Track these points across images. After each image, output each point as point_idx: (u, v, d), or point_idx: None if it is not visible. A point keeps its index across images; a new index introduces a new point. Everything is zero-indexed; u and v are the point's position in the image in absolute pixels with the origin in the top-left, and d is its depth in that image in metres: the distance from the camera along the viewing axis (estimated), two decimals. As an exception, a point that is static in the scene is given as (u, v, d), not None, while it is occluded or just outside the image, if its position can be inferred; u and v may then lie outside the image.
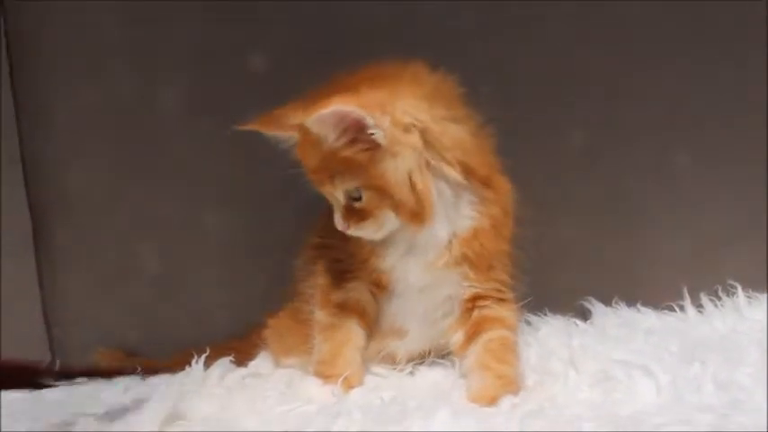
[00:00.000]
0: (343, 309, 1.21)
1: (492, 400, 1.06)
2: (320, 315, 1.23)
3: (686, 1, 1.45)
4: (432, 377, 1.20)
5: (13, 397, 1.30)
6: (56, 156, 1.48)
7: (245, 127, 1.17)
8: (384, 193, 1.09)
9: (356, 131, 1.06)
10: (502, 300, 1.19)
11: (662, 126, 1.47)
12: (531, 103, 1.47)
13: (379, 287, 1.19)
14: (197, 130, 1.48)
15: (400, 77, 1.11)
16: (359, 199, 1.11)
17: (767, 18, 1.45)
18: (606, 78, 1.47)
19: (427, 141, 1.09)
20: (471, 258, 1.15)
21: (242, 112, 1.45)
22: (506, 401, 1.04)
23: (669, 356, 1.12)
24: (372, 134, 1.06)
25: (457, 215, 1.14)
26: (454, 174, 1.11)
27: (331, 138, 1.07)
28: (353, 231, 1.13)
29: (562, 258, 1.47)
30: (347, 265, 1.20)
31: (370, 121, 1.05)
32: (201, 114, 1.47)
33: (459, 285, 1.17)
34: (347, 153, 1.08)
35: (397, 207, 1.09)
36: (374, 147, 1.07)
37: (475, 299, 1.18)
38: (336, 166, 1.09)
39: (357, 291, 1.20)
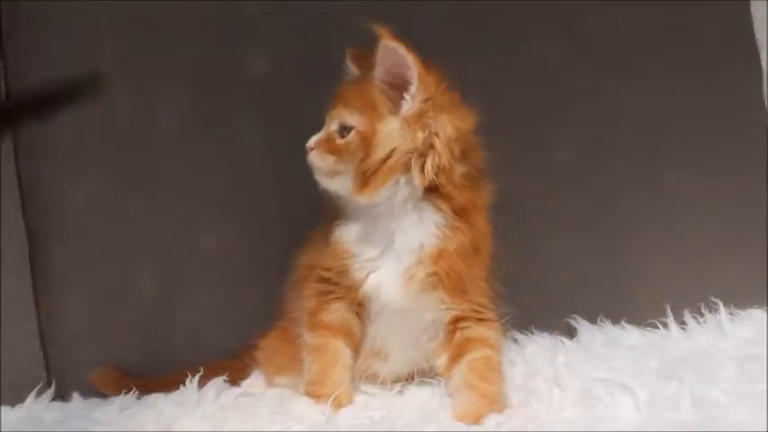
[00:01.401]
0: (330, 329, 1.24)
1: (477, 419, 1.09)
2: (308, 337, 1.26)
3: (674, 19, 1.49)
4: (420, 396, 1.22)
5: (12, 417, 1.33)
6: (52, 175, 1.50)
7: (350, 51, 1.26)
8: (364, 146, 1.15)
9: (399, 85, 1.15)
10: (482, 320, 1.22)
11: (646, 145, 1.50)
12: (518, 121, 1.50)
13: (361, 306, 1.22)
14: (193, 151, 1.51)
15: (460, 102, 1.20)
16: (344, 137, 1.17)
17: (754, 37, 1.48)
18: (592, 97, 1.50)
19: (430, 144, 1.15)
20: (443, 279, 1.18)
21: (239, 132, 1.51)
22: (491, 420, 1.07)
23: (649, 373, 1.15)
24: (405, 98, 1.14)
25: (422, 226, 1.18)
26: (420, 181, 1.16)
27: (380, 69, 1.15)
28: (314, 155, 1.19)
29: (549, 277, 1.50)
30: (331, 286, 1.23)
31: (416, 86, 1.14)
32: (198, 135, 1.51)
33: (438, 309, 1.20)
34: (376, 94, 1.16)
35: (358, 164, 1.15)
36: (396, 108, 1.15)
37: (455, 321, 1.21)
38: (356, 98, 1.18)
39: (342, 311, 1.23)
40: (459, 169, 1.18)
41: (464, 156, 1.19)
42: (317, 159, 1.19)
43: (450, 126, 1.16)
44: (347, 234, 1.22)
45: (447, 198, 1.19)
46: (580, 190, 1.51)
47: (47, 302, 1.50)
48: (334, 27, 1.46)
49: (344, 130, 1.18)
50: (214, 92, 1.51)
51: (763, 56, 1.50)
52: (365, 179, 1.16)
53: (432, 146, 1.15)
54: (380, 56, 1.15)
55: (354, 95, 1.19)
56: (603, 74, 1.51)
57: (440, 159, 1.16)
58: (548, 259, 1.51)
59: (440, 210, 1.19)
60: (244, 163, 1.51)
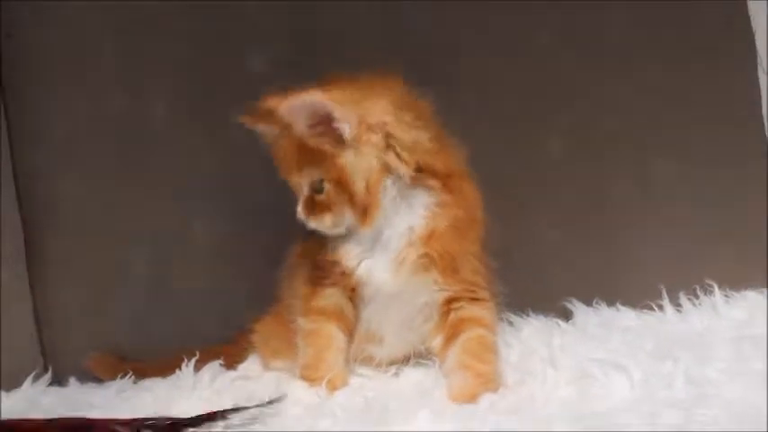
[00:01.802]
0: (324, 314, 1.24)
1: (472, 398, 1.09)
2: (302, 322, 1.26)
3: (665, 9, 1.48)
4: (415, 377, 1.22)
5: (9, 402, 1.34)
6: (47, 165, 1.51)
7: (242, 120, 1.22)
8: (342, 187, 1.14)
9: (324, 123, 1.13)
10: (476, 299, 1.22)
11: (641, 130, 1.49)
12: (514, 109, 1.51)
13: (354, 292, 1.22)
14: (185, 141, 1.51)
15: (374, 84, 1.17)
16: (321, 192, 1.16)
17: (749, 27, 1.48)
18: (585, 85, 1.50)
19: (389, 143, 1.14)
20: (435, 260, 1.18)
21: (230, 121, 1.50)
22: (485, 399, 1.06)
23: (644, 354, 1.15)
24: (338, 128, 1.12)
25: (411, 212, 1.18)
26: (406, 169, 1.15)
27: (300, 126, 1.14)
28: (311, 222, 1.18)
29: (545, 260, 1.50)
30: (325, 272, 1.23)
31: (337, 114, 1.11)
32: (190, 125, 1.51)
33: (431, 291, 1.20)
34: (313, 143, 1.14)
35: (350, 202, 1.15)
36: (339, 141, 1.13)
37: (449, 302, 1.21)
38: (302, 156, 1.16)
39: (336, 296, 1.23)
40: (424, 135, 1.17)
41: (419, 119, 1.17)
42: (318, 224, 1.18)
43: (387, 112, 1.15)
44: None
45: (430, 172, 1.18)
46: (575, 173, 1.51)
47: (42, 289, 1.51)
48: (325, 21, 1.48)
49: (317, 184, 1.17)
50: (206, 82, 1.51)
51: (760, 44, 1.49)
52: (363, 211, 1.15)
53: (389, 136, 1.15)
54: (290, 119, 1.14)
55: (299, 154, 1.17)
56: (595, 63, 1.50)
57: (403, 140, 1.15)
58: (543, 243, 1.51)
59: (428, 187, 1.18)
60: (235, 151, 1.50)
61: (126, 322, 1.51)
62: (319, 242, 1.23)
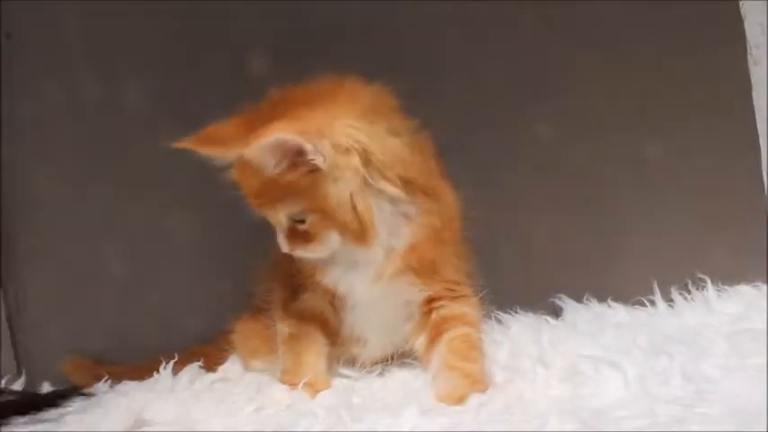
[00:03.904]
0: (303, 318, 1.21)
1: (460, 400, 1.05)
2: (281, 327, 1.23)
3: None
4: (401, 377, 1.19)
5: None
6: (20, 159, 1.47)
7: (182, 145, 1.14)
8: (327, 216, 1.09)
9: (296, 157, 1.06)
10: (457, 297, 1.19)
11: (632, 121, 1.46)
12: (502, 97, 1.47)
13: (334, 297, 1.19)
14: (163, 133, 1.46)
15: (336, 96, 1.11)
16: (302, 222, 1.10)
17: (739, 14, 1.45)
18: (577, 72, 1.47)
19: (367, 161, 1.08)
20: (414, 267, 1.15)
21: (207, 114, 1.46)
22: (474, 399, 1.03)
23: (638, 350, 1.11)
24: (312, 159, 1.06)
25: (393, 232, 1.13)
26: (394, 190, 1.11)
27: (270, 166, 1.06)
28: (299, 253, 1.13)
29: (533, 255, 1.47)
30: (301, 279, 1.20)
31: (309, 147, 1.05)
32: (167, 117, 1.46)
33: (410, 292, 1.17)
34: (288, 178, 1.07)
35: (341, 228, 1.09)
36: (315, 170, 1.07)
37: (429, 301, 1.18)
38: (278, 192, 1.09)
39: (314, 300, 1.20)
40: (399, 143, 1.11)
41: (390, 125, 1.12)
42: (305, 254, 1.13)
43: (359, 129, 1.08)
44: None
45: (409, 183, 1.12)
46: (564, 167, 1.48)
47: (15, 289, 1.47)
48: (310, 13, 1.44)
49: (297, 215, 1.10)
50: (184, 76, 1.47)
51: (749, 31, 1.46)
52: (356, 234, 1.10)
53: (367, 153, 1.08)
54: (257, 161, 1.07)
55: (271, 191, 1.09)
56: (586, 47, 1.47)
57: (382, 157, 1.09)
58: (531, 238, 1.48)
59: (408, 198, 1.13)
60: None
61: (103, 324, 1.48)
62: (293, 261, 1.18)
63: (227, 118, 1.15)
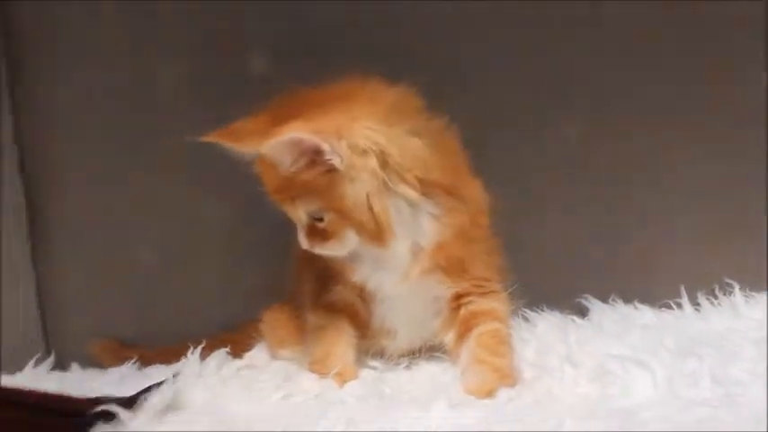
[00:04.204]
0: (332, 310, 1.22)
1: (488, 394, 1.05)
2: (311, 317, 1.24)
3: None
4: (429, 370, 1.20)
5: (11, 385, 1.30)
6: (53, 143, 1.47)
7: (208, 139, 1.16)
8: (344, 215, 1.09)
9: (313, 156, 1.06)
10: (487, 293, 1.19)
11: (661, 123, 1.46)
12: (530, 99, 1.48)
13: (364, 291, 1.20)
14: (196, 120, 1.47)
15: (357, 97, 1.11)
16: (321, 219, 1.11)
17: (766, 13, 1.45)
18: (605, 73, 1.47)
19: (385, 163, 1.08)
20: (442, 265, 1.15)
21: (242, 102, 1.47)
22: (503, 394, 1.03)
23: (666, 352, 1.12)
24: (329, 159, 1.06)
25: (418, 231, 1.14)
26: (412, 193, 1.11)
27: (287, 163, 1.08)
28: (318, 250, 1.14)
29: (559, 255, 1.48)
30: (332, 271, 1.21)
31: (326, 147, 1.05)
32: (200, 103, 1.47)
33: (438, 288, 1.18)
34: (306, 177, 1.08)
35: (357, 228, 1.10)
36: (332, 170, 1.07)
37: (458, 297, 1.19)
38: (296, 189, 1.10)
39: (344, 292, 1.21)
40: (420, 144, 1.11)
41: (411, 126, 1.12)
42: (324, 251, 1.14)
43: (378, 131, 1.09)
44: None
45: (432, 183, 1.13)
46: (593, 167, 1.49)
47: (46, 272, 1.48)
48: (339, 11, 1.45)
49: (316, 213, 1.11)
50: (218, 57, 1.47)
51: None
52: (373, 234, 1.10)
53: (385, 156, 1.08)
54: (274, 158, 1.08)
55: (290, 187, 1.10)
56: (613, 49, 1.47)
57: (400, 159, 1.09)
58: (558, 237, 1.49)
59: (432, 199, 1.13)
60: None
61: (132, 308, 1.49)
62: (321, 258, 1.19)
63: (254, 112, 1.16)
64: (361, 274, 1.17)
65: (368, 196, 1.08)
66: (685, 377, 1.02)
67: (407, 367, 1.22)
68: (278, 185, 1.12)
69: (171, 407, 1.07)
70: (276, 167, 1.09)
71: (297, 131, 1.05)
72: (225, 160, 1.45)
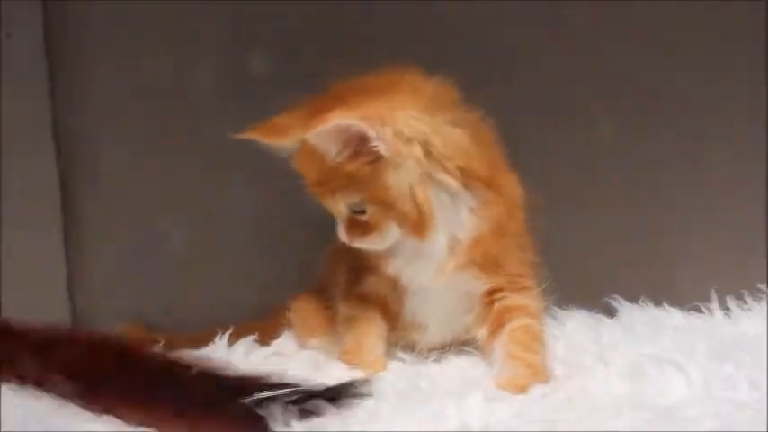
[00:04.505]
0: (365, 301, 1.22)
1: (521, 389, 1.05)
2: (343, 308, 1.24)
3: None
4: (459, 364, 1.19)
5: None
6: (88, 129, 1.48)
7: (246, 136, 1.16)
8: (388, 206, 1.09)
9: (358, 144, 1.06)
10: (520, 288, 1.19)
11: (696, 122, 1.46)
12: (563, 95, 1.47)
13: (397, 283, 1.20)
14: (228, 110, 1.48)
15: (398, 87, 1.11)
16: (362, 212, 1.11)
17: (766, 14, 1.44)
18: (638, 71, 1.47)
19: (427, 152, 1.09)
20: (477, 261, 1.16)
21: (274, 92, 1.47)
22: (537, 390, 1.03)
23: (700, 355, 1.11)
24: (375, 146, 1.06)
25: (456, 224, 1.14)
26: (453, 183, 1.11)
27: (333, 152, 1.07)
28: (357, 244, 1.13)
29: (589, 254, 1.47)
30: (366, 263, 1.21)
31: (372, 133, 1.05)
32: (233, 94, 1.48)
33: (472, 284, 1.18)
34: (350, 167, 1.08)
35: (400, 219, 1.10)
36: (376, 159, 1.07)
37: (491, 292, 1.19)
38: (339, 181, 1.09)
39: (377, 284, 1.21)
40: (461, 135, 1.12)
41: (453, 117, 1.12)
42: (364, 245, 1.14)
43: (422, 120, 1.09)
44: None
45: (472, 174, 1.13)
46: (624, 167, 1.48)
47: (77, 255, 1.48)
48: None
49: (357, 206, 1.11)
50: (251, 51, 1.48)
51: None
52: (415, 224, 1.10)
53: (429, 145, 1.09)
54: (320, 146, 1.08)
55: (332, 178, 1.10)
56: (650, 47, 1.47)
57: (443, 148, 1.10)
58: (588, 236, 1.48)
59: (471, 190, 1.13)
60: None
61: (160, 294, 1.49)
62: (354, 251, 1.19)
63: (289, 108, 1.16)
64: (395, 267, 1.17)
65: (412, 185, 1.08)
66: (722, 380, 1.02)
67: (437, 360, 1.22)
68: (318, 178, 1.11)
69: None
70: (316, 160, 1.10)
71: (343, 118, 1.05)
72: (254, 150, 1.48)
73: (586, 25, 1.47)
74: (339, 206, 1.12)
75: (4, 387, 1.15)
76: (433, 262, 1.15)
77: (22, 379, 0.86)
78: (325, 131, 1.05)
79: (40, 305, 1.42)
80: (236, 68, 1.48)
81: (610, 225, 1.47)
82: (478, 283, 1.18)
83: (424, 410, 0.95)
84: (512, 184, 1.19)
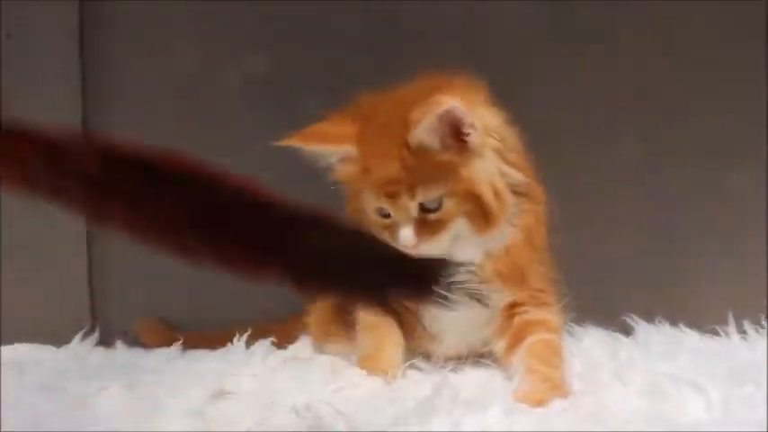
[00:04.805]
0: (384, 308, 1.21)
1: (539, 403, 1.05)
2: (362, 315, 1.23)
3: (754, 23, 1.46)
4: (477, 375, 1.19)
5: (58, 357, 1.32)
6: (117, 126, 1.48)
7: (287, 143, 1.16)
8: (468, 198, 1.10)
9: (453, 133, 1.08)
10: (541, 304, 1.20)
11: (719, 146, 1.47)
12: (588, 115, 1.48)
13: None
14: (253, 112, 1.49)
15: (455, 87, 1.12)
16: (433, 210, 1.11)
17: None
18: (663, 95, 1.48)
19: (501, 145, 1.12)
20: (503, 274, 1.16)
21: (301, 95, 1.48)
22: (557, 405, 1.03)
23: (718, 376, 1.11)
24: (468, 134, 1.08)
25: (492, 235, 1.15)
26: (520, 176, 1.13)
27: (437, 141, 1.08)
28: (422, 247, 1.11)
29: (608, 273, 1.48)
30: None
31: (469, 120, 1.07)
32: (260, 96, 1.49)
33: (494, 297, 1.17)
34: (443, 157, 1.09)
35: (473, 213, 1.10)
36: (464, 150, 1.09)
37: (513, 306, 1.19)
38: (423, 175, 1.09)
39: None
40: (512, 130, 1.16)
41: (505, 115, 1.16)
42: (431, 249, 1.11)
43: (496, 115, 1.14)
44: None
45: (524, 172, 1.16)
46: (646, 188, 1.50)
47: (99, 248, 1.49)
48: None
49: (432, 203, 1.10)
50: (280, 55, 1.49)
51: None
52: (487, 217, 1.11)
53: (503, 140, 1.12)
54: (431, 124, 1.08)
55: (415, 172, 1.09)
56: (676, 72, 1.48)
57: (512, 144, 1.14)
58: (606, 255, 1.49)
59: (515, 195, 1.15)
60: (301, 118, 1.47)
61: (180, 290, 1.49)
62: None
63: (327, 117, 1.17)
64: None
65: (492, 175, 1.11)
66: (741, 402, 1.02)
67: (454, 371, 1.21)
68: (396, 175, 1.10)
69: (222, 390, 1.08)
70: (394, 157, 1.09)
71: (448, 103, 1.05)
72: (280, 152, 1.49)
73: (614, 44, 1.48)
74: (413, 204, 1.11)
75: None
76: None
77: (32, 185, 0.73)
78: (435, 118, 1.06)
79: (59, 301, 1.44)
80: (264, 68, 1.49)
81: (628, 244, 1.49)
82: (500, 297, 1.18)
83: (445, 419, 0.95)
84: (541, 194, 1.20)
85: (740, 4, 1.45)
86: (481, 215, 1.11)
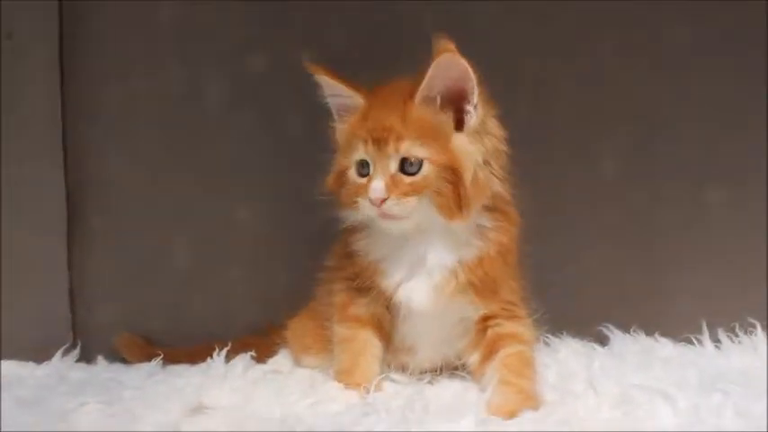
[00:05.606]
0: (360, 321, 1.23)
1: (511, 414, 1.06)
2: (338, 328, 1.25)
3: (729, 36, 1.48)
4: (452, 387, 1.20)
5: (39, 373, 1.33)
6: (97, 141, 1.50)
7: (314, 71, 1.18)
8: (448, 173, 1.11)
9: (456, 98, 1.11)
10: (513, 317, 1.21)
11: (694, 160, 1.49)
12: (562, 128, 1.50)
13: (391, 304, 1.21)
14: (236, 126, 1.51)
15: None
16: (411, 174, 1.11)
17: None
18: (643, 109, 1.50)
19: (494, 148, 1.15)
20: (476, 285, 1.17)
21: (283, 109, 1.50)
22: (528, 417, 1.04)
23: (689, 384, 1.13)
24: (469, 111, 1.11)
25: (466, 242, 1.16)
26: (500, 188, 1.16)
27: (436, 84, 1.10)
28: (389, 204, 1.11)
29: (584, 284, 1.49)
30: (361, 283, 1.22)
31: (474, 98, 1.11)
32: (242, 111, 1.51)
33: (467, 309, 1.19)
34: (439, 117, 1.11)
35: (451, 193, 1.11)
36: (459, 124, 1.12)
37: (486, 319, 1.20)
38: (416, 130, 1.11)
39: (373, 305, 1.22)
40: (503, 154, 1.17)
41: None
42: (397, 208, 1.11)
43: (494, 122, 1.15)
44: (374, 251, 1.20)
45: (496, 195, 1.17)
46: (622, 200, 1.51)
47: (80, 264, 1.50)
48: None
49: (409, 165, 1.12)
50: (261, 68, 1.50)
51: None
52: (458, 205, 1.12)
53: (496, 149, 1.14)
54: (439, 71, 1.10)
55: (411, 125, 1.11)
56: (653, 88, 1.50)
57: (500, 153, 1.16)
58: (584, 267, 1.50)
59: (489, 210, 1.17)
60: (284, 139, 1.50)
61: (160, 306, 1.50)
62: (353, 263, 1.22)
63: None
64: (392, 281, 1.18)
65: (477, 163, 1.12)
66: (710, 410, 1.03)
67: (430, 383, 1.23)
68: (391, 123, 1.12)
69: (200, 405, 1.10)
70: (399, 105, 1.12)
71: (471, 67, 1.09)
72: (259, 166, 1.50)
73: (596, 59, 1.50)
74: (393, 157, 1.12)
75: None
76: (433, 278, 1.16)
77: None
78: (457, 62, 1.09)
79: (40, 315, 1.44)
80: (245, 82, 1.50)
81: (604, 256, 1.50)
82: (473, 309, 1.19)
83: (420, 428, 0.97)
84: (515, 216, 1.21)
85: (723, 22, 1.47)
86: (453, 198, 1.11)
